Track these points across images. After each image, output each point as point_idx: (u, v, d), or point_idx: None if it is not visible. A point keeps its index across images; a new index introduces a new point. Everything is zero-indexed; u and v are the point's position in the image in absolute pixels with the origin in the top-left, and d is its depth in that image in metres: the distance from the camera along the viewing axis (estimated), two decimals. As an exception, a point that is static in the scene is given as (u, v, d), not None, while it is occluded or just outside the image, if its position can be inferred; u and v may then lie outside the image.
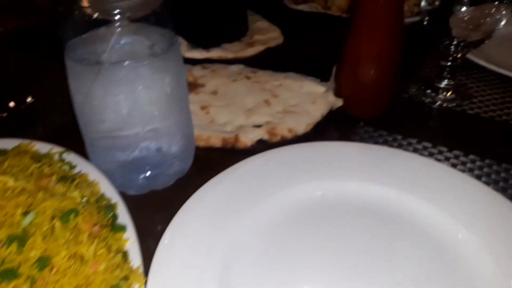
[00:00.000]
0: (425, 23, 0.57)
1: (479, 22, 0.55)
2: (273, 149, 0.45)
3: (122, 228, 0.34)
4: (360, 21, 0.51)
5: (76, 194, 0.34)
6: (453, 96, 0.60)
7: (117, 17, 0.37)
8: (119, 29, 0.38)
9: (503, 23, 0.55)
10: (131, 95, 0.37)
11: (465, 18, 0.56)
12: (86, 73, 0.37)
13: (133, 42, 0.40)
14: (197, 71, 0.59)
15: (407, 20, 0.79)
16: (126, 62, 0.37)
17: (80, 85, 0.38)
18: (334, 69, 0.58)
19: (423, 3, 0.57)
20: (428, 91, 0.61)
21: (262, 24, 0.73)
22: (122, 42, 0.39)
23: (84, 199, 0.34)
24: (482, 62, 0.66)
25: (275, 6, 0.83)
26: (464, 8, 0.55)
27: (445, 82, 0.61)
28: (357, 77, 0.54)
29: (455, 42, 0.56)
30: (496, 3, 0.54)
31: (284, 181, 0.42)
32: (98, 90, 0.37)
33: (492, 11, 0.54)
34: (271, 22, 0.75)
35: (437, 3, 0.55)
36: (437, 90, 0.60)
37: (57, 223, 0.30)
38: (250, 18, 0.75)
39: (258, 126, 0.52)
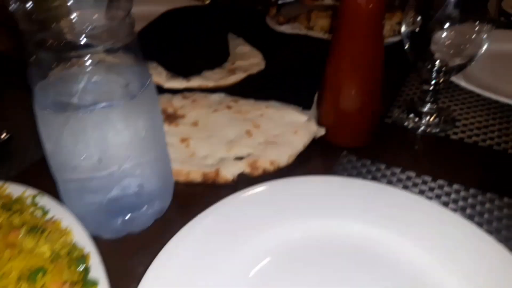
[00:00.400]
0: (406, 47, 0.57)
1: (461, 47, 0.55)
2: (253, 187, 0.44)
3: (94, 284, 0.32)
4: (339, 46, 0.51)
5: (45, 248, 0.32)
6: (436, 120, 0.60)
7: (87, 57, 0.36)
8: (91, 67, 0.37)
9: (484, 47, 0.55)
10: (103, 142, 0.36)
11: (446, 43, 0.56)
12: (55, 120, 0.36)
13: (107, 81, 0.39)
14: (177, 101, 0.58)
15: (390, 40, 0.79)
16: (99, 106, 0.36)
17: (50, 133, 0.36)
18: (316, 97, 0.58)
19: (403, 28, 0.56)
20: (411, 115, 0.61)
21: (244, 48, 0.72)
22: (94, 81, 0.38)
23: (54, 254, 0.32)
24: (464, 84, 0.66)
25: (257, 27, 0.82)
26: (444, 34, 0.55)
27: (428, 106, 0.60)
28: (339, 105, 0.53)
29: (436, 67, 0.56)
30: (477, 27, 0.54)
31: (265, 221, 0.41)
32: (68, 138, 0.35)
33: (473, 37, 0.54)
34: (253, 45, 0.74)
35: (417, 30, 0.55)
36: (420, 115, 0.60)
37: (24, 285, 0.29)
38: (232, 42, 0.74)
39: (240, 158, 0.51)
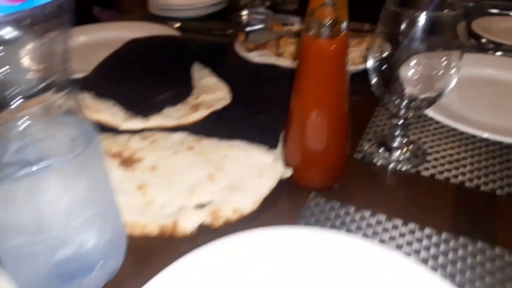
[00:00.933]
0: (372, 82, 0.55)
1: (428, 82, 0.53)
2: (214, 242, 0.41)
3: None
4: (302, 86, 0.48)
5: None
6: (407, 155, 0.58)
7: (22, 120, 0.32)
8: (27, 125, 0.34)
9: (455, 80, 0.53)
10: (41, 208, 0.33)
11: (415, 77, 0.54)
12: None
13: (45, 139, 0.36)
14: (135, 142, 0.55)
15: (360, 67, 0.78)
16: (35, 168, 0.33)
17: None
18: (282, 134, 0.55)
19: (369, 63, 0.55)
20: (381, 149, 0.59)
21: (210, 80, 0.69)
22: (30, 140, 0.34)
23: None
24: (432, 114, 0.65)
25: (225, 57, 0.79)
26: (412, 68, 0.53)
27: (398, 139, 0.58)
28: (304, 146, 0.50)
29: (405, 103, 0.54)
30: (446, 55, 0.52)
31: (228, 279, 0.38)
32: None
33: (443, 65, 0.52)
34: (220, 76, 0.72)
35: (384, 62, 0.53)
36: (390, 149, 0.58)
37: None
38: (197, 73, 0.71)
39: (201, 205, 0.48)
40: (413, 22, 0.50)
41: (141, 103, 0.59)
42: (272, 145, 0.55)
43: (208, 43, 0.76)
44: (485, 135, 0.60)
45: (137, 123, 0.56)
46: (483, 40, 0.94)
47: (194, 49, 0.72)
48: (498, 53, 0.89)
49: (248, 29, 0.84)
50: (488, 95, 0.73)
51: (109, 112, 0.57)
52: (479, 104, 0.70)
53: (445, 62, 0.52)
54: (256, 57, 0.85)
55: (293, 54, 0.83)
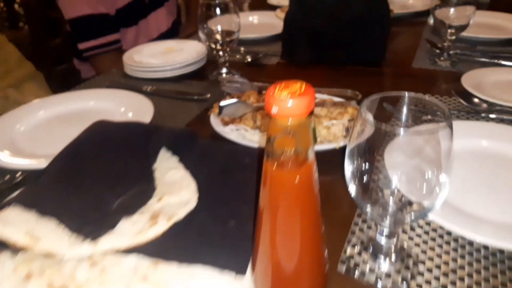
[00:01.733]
0: (352, 194, 0.48)
1: (417, 189, 0.47)
2: None
3: None
4: (267, 213, 0.41)
5: None
6: (397, 265, 0.51)
7: None
8: None
9: (446, 188, 0.45)
10: None
11: (400, 186, 0.47)
12: None
13: None
14: (82, 272, 0.47)
15: (342, 142, 0.72)
16: None
17: None
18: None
19: (347, 168, 0.48)
20: (367, 256, 0.52)
21: (176, 174, 0.62)
22: None
23: None
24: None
25: (195, 142, 0.72)
26: (395, 179, 0.46)
27: (385, 244, 0.51)
28: (274, 277, 0.43)
29: (390, 213, 0.47)
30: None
31: None
32: None
33: (428, 177, 0.46)
34: (188, 166, 0.65)
35: (364, 174, 0.46)
36: (376, 255, 0.51)
37: None
38: (164, 164, 0.65)
39: None
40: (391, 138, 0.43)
41: (91, 218, 0.52)
42: (240, 270, 0.48)
43: (175, 132, 0.70)
44: (478, 239, 0.52)
45: (84, 249, 0.49)
46: (475, 100, 0.88)
47: (161, 139, 0.66)
48: (492, 115, 0.83)
49: (222, 104, 0.78)
50: (484, 172, 0.66)
51: (51, 238, 0.49)
52: (475, 186, 0.63)
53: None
54: (232, 131, 0.80)
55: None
